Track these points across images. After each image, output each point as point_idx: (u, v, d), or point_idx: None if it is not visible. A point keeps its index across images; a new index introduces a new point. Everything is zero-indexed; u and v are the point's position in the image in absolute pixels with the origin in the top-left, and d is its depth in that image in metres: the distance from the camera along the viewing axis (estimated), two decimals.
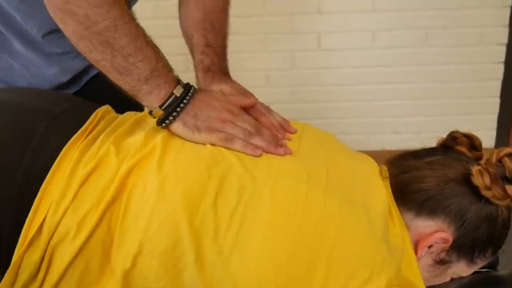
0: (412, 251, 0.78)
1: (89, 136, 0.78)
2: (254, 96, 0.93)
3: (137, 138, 0.79)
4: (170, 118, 0.77)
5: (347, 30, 2.38)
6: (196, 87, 0.82)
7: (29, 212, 0.69)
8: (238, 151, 0.76)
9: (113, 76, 0.76)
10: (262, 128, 0.82)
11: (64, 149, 0.74)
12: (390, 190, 0.81)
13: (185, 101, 0.78)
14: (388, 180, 0.82)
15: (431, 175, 0.80)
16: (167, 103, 0.77)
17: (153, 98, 0.77)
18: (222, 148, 0.77)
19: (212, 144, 0.77)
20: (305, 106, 2.48)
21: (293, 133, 0.86)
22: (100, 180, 0.71)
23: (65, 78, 1.04)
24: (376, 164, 0.86)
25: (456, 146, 0.87)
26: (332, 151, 0.84)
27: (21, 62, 1.00)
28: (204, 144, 0.77)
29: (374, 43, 2.39)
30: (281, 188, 0.71)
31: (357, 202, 0.74)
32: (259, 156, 0.76)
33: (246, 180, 0.71)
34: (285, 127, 0.87)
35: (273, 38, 2.40)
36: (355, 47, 2.40)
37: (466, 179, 0.78)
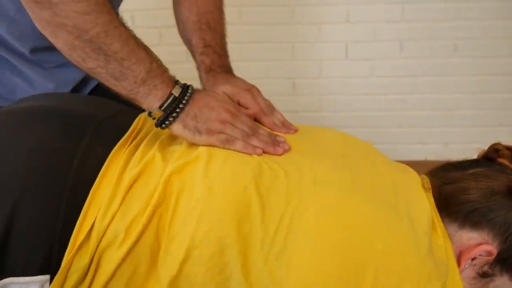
0: (455, 263, 0.77)
1: (134, 142, 0.80)
2: (258, 91, 0.94)
3: (181, 143, 0.80)
4: (170, 119, 0.77)
5: (375, 40, 2.38)
6: (193, 87, 0.82)
7: (79, 216, 0.70)
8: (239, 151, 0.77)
9: (110, 83, 0.77)
10: (259, 129, 0.83)
11: (111, 154, 0.75)
12: (433, 201, 0.80)
13: (184, 101, 0.78)
14: (431, 191, 0.82)
15: (476, 187, 0.79)
16: (166, 103, 0.77)
17: (151, 99, 0.77)
18: (266, 157, 0.78)
19: (213, 146, 0.78)
20: (331, 114, 2.48)
21: (295, 131, 0.88)
22: (147, 185, 0.72)
23: (67, 90, 1.05)
24: (417, 175, 0.86)
25: (498, 159, 0.86)
26: (374, 161, 0.84)
27: (23, 78, 1.01)
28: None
29: (402, 53, 2.39)
30: (327, 197, 0.71)
31: (402, 213, 0.74)
32: (260, 154, 0.77)
33: (292, 189, 0.71)
34: (287, 126, 0.88)
35: (301, 46, 2.41)
36: (383, 56, 2.40)
37: (511, 192, 0.78)
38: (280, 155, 0.78)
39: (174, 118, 0.77)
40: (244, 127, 0.80)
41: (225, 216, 0.68)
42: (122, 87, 0.76)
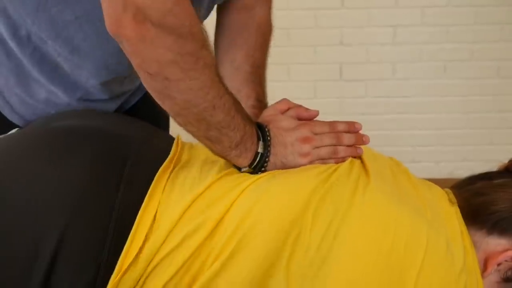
0: (479, 271, 0.81)
1: (177, 167, 0.80)
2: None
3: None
4: (259, 172, 0.80)
5: (368, 62, 2.46)
6: (265, 125, 0.83)
7: (126, 240, 0.70)
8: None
9: (204, 143, 0.78)
10: (339, 134, 0.84)
11: (155, 179, 0.75)
12: (459, 213, 0.84)
13: (268, 153, 0.80)
14: (456, 204, 0.86)
15: (504, 197, 0.83)
16: (255, 162, 0.79)
17: (241, 160, 0.79)
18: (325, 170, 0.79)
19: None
20: None
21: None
22: (207, 206, 0.73)
23: None
24: (442, 190, 0.90)
25: None
26: (404, 176, 0.88)
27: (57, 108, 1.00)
28: None
29: (394, 75, 2.46)
30: (372, 204, 0.74)
31: (437, 226, 0.77)
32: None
33: (341, 197, 0.74)
34: (351, 130, 0.87)
35: (296, 68, 2.47)
36: (376, 78, 2.47)
37: None
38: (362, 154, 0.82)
39: (263, 171, 0.80)
40: (325, 140, 0.82)
41: (277, 219, 0.71)
42: (215, 148, 0.78)
